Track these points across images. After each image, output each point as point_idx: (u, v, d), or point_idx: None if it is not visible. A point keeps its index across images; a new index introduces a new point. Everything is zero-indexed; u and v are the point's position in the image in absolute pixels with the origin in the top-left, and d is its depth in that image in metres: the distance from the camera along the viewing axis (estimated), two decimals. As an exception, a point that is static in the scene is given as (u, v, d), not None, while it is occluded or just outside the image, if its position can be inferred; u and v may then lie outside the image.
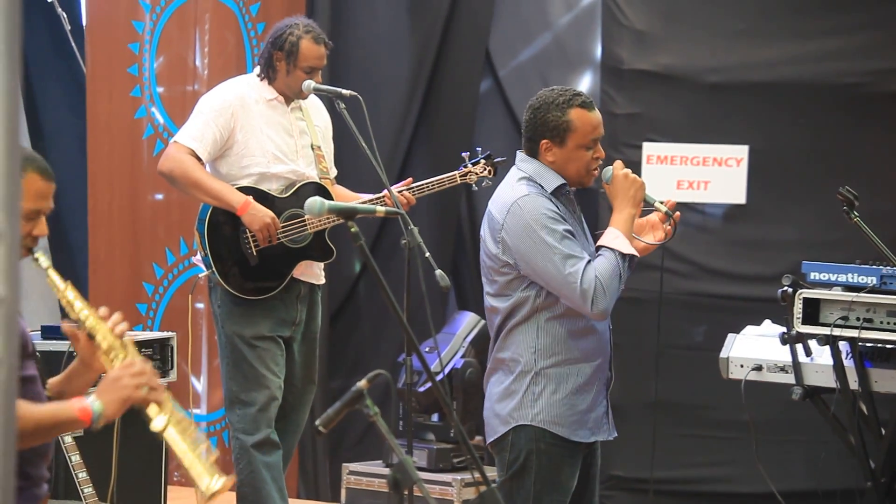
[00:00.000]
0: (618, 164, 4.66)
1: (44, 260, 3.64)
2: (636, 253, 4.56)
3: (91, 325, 3.64)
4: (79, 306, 3.65)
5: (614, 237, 4.55)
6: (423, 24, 8.05)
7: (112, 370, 3.60)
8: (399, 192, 5.98)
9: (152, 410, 3.56)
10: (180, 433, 3.53)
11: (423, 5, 8.05)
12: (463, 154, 6.18)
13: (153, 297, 7.76)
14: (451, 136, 8.09)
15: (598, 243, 4.58)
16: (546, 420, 4.58)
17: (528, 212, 4.52)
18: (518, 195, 4.56)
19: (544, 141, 4.59)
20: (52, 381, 3.84)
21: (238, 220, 5.94)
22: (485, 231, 4.65)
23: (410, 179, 6.09)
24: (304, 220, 5.99)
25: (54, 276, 3.65)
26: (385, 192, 5.78)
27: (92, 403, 3.56)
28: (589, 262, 4.48)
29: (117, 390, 3.56)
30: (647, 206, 4.68)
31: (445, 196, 6.93)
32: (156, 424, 3.54)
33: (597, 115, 4.62)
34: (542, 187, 4.58)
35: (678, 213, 4.70)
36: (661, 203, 4.68)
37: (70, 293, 3.65)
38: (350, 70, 7.97)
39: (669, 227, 4.72)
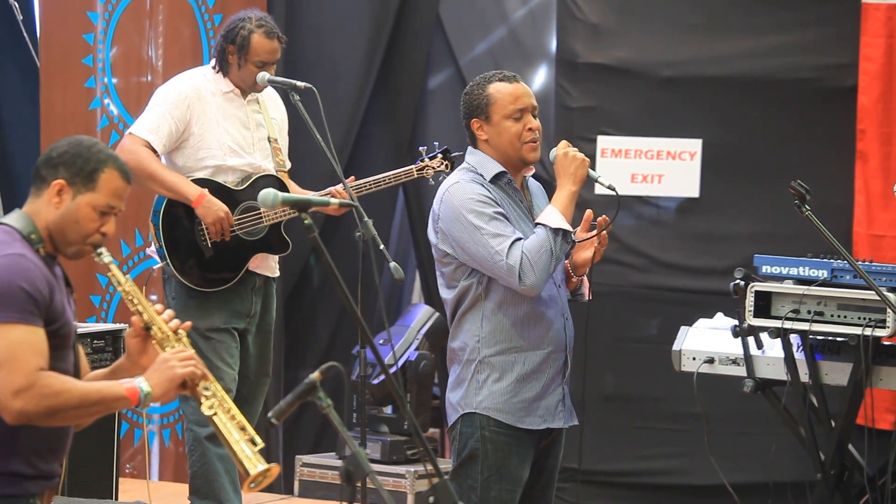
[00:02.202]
0: (561, 143, 4.72)
1: (106, 255, 3.77)
2: (567, 227, 4.59)
3: (148, 318, 3.76)
4: (137, 301, 3.77)
5: (548, 213, 4.61)
6: (377, 15, 8.03)
7: (162, 355, 3.71)
8: (353, 188, 5.98)
9: (203, 399, 3.68)
10: (227, 420, 3.66)
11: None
12: (420, 148, 6.19)
13: (107, 288, 7.72)
14: (400, 127, 8.09)
15: (536, 221, 4.63)
16: (489, 407, 4.61)
17: (457, 198, 4.60)
18: (449, 184, 4.67)
19: (474, 121, 4.69)
20: (95, 373, 3.90)
21: (193, 213, 5.93)
22: (429, 224, 4.72)
23: (353, 178, 6.08)
24: (260, 213, 5.98)
25: (116, 271, 3.79)
26: (338, 185, 5.77)
27: (140, 383, 3.66)
28: (518, 240, 4.53)
29: (164, 371, 3.66)
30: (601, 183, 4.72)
31: (385, 191, 6.88)
32: (204, 409, 3.66)
33: (518, 87, 4.68)
34: (483, 176, 4.65)
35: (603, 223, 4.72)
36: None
37: (129, 287, 3.78)
38: (306, 61, 7.95)
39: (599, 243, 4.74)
